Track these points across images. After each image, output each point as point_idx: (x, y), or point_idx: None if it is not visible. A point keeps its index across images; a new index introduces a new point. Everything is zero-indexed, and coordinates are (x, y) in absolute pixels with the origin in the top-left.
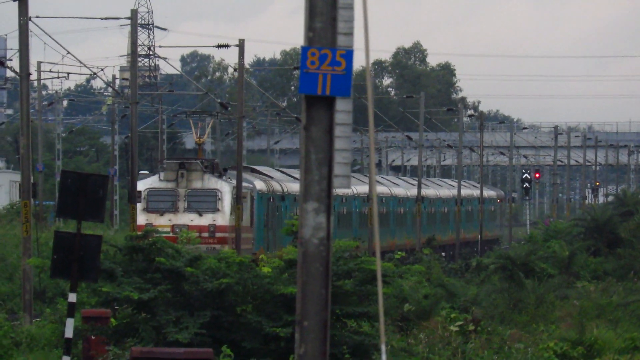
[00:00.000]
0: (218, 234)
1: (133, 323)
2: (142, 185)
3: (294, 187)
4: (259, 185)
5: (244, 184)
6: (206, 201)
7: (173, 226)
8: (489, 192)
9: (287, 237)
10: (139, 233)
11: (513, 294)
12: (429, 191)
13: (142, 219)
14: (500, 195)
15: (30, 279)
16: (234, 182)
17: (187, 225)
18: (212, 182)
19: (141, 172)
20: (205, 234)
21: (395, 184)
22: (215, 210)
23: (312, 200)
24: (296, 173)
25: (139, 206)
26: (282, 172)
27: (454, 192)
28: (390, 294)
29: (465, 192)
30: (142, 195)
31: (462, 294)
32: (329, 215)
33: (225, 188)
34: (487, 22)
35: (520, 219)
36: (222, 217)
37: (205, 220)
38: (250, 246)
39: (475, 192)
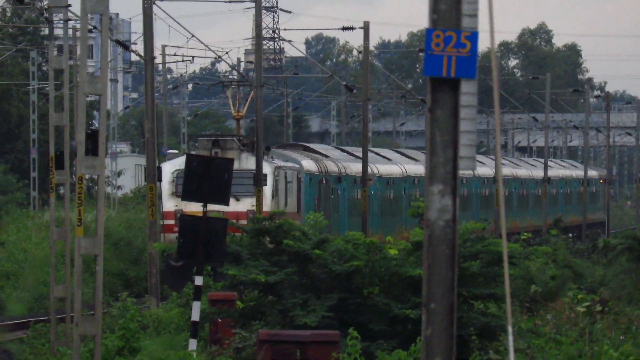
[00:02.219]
0: None
1: (259, 306)
2: (170, 166)
3: (355, 167)
4: (308, 165)
5: (290, 164)
6: (244, 184)
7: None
8: (590, 172)
9: (341, 224)
10: (264, 216)
11: None
12: (557, 172)
13: (170, 204)
14: (603, 175)
15: (156, 263)
16: (277, 161)
17: (223, 211)
18: (251, 162)
19: (170, 151)
20: (244, 222)
21: (533, 166)
22: (255, 194)
23: (438, 182)
24: (361, 152)
25: (167, 190)
26: (342, 150)
27: (568, 172)
28: (517, 275)
29: (573, 172)
30: (170, 178)
31: (589, 275)
32: (455, 197)
33: (266, 169)
34: (614, 3)
35: None
36: (263, 203)
37: (243, 205)
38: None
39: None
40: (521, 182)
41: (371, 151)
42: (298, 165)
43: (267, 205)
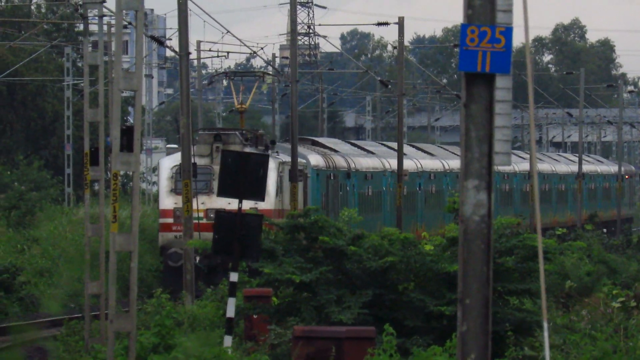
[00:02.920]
0: None
1: (295, 302)
2: (169, 162)
3: (365, 162)
4: (315, 160)
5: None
6: None
7: (207, 210)
8: (615, 168)
9: (351, 222)
10: (299, 212)
11: None
12: (588, 167)
13: (169, 202)
14: (630, 170)
15: (192, 259)
16: (282, 156)
17: (224, 209)
18: None
19: (169, 145)
20: None
21: (556, 160)
22: None
23: (473, 178)
24: (373, 146)
25: (165, 186)
26: (353, 144)
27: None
28: (552, 270)
29: (598, 168)
30: (169, 174)
31: (623, 270)
32: (490, 192)
33: (270, 164)
34: None
35: None
36: (266, 200)
37: (246, 204)
38: None
39: (609, 168)
40: (544, 177)
41: (384, 145)
42: (304, 161)
43: (270, 202)
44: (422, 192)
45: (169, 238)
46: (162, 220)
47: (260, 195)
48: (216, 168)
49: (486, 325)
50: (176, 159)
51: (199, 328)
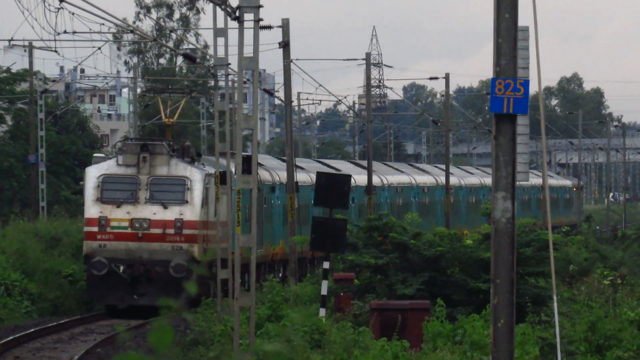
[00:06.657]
0: (186, 231)
1: (371, 283)
2: (95, 171)
3: (284, 176)
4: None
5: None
6: (172, 191)
7: (132, 220)
8: (564, 182)
9: (276, 232)
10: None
11: None
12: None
13: (94, 210)
14: (576, 183)
15: (295, 252)
16: (208, 168)
17: (150, 219)
18: (180, 168)
19: (96, 155)
20: (171, 231)
21: (560, 176)
22: (184, 202)
23: (501, 190)
24: (304, 162)
25: (91, 195)
26: (282, 160)
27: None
28: (559, 257)
29: (560, 182)
30: (95, 183)
31: (611, 257)
32: (514, 200)
33: (196, 176)
34: (628, 57)
35: None
36: (192, 211)
37: (171, 213)
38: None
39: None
40: (553, 189)
41: (319, 161)
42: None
43: (196, 214)
44: (441, 202)
45: (93, 247)
46: (87, 229)
47: (345, 205)
48: (143, 178)
49: (512, 298)
50: (102, 168)
51: (301, 303)
